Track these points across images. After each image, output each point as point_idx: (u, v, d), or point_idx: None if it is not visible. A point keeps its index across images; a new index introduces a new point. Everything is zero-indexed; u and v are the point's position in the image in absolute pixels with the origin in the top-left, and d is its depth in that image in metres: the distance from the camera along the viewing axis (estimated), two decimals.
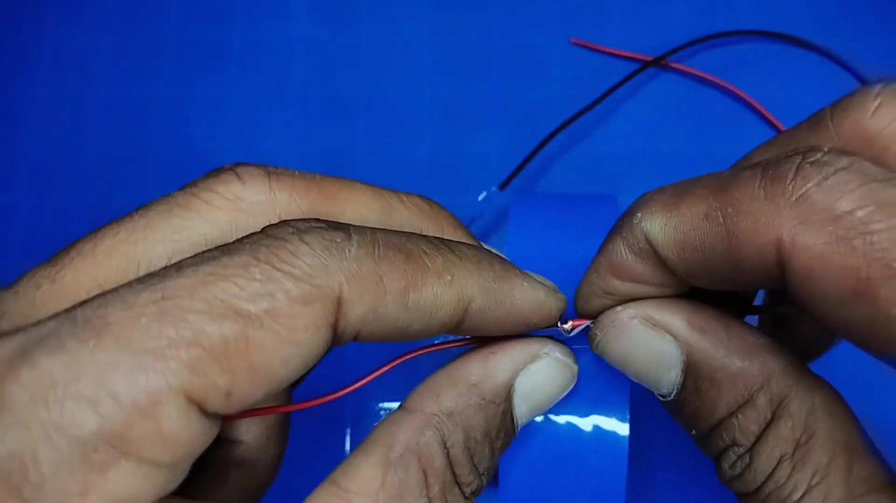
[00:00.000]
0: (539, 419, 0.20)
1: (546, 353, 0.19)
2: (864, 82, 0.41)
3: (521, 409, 0.18)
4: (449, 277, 0.16)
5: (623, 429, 0.20)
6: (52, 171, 0.42)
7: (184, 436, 0.14)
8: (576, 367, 0.19)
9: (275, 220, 0.17)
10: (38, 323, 0.14)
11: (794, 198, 0.14)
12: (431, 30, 0.43)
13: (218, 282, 0.14)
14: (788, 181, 0.14)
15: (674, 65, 0.42)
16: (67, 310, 0.14)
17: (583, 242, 0.21)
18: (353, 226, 0.16)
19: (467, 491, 0.17)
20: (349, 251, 0.15)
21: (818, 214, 0.14)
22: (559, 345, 0.19)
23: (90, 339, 0.13)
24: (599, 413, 0.20)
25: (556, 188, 0.41)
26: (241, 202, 0.18)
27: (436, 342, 0.19)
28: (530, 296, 0.18)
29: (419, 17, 0.44)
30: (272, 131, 0.42)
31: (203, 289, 0.14)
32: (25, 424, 0.12)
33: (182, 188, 0.18)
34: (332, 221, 0.16)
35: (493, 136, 0.42)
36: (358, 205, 0.19)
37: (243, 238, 0.15)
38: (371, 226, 0.16)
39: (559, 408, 0.20)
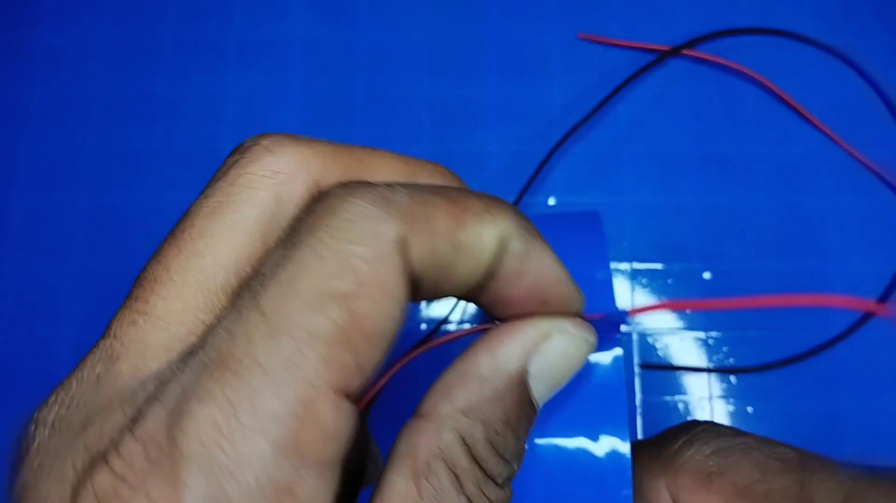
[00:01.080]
0: (537, 442, 0.20)
1: (557, 331, 0.18)
2: (868, 79, 0.41)
3: (539, 390, 0.18)
4: (488, 215, 0.17)
5: (624, 447, 0.20)
6: (51, 170, 0.41)
7: (342, 425, 0.15)
8: (593, 338, 0.19)
9: (312, 187, 0.17)
10: (168, 377, 0.14)
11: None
12: (432, 27, 0.43)
13: (301, 276, 0.15)
14: None
15: (696, 53, 0.42)
16: (187, 356, 0.15)
17: (566, 263, 0.20)
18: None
19: (500, 480, 0.17)
20: (400, 199, 0.16)
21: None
22: (571, 319, 0.19)
23: (230, 378, 0.14)
24: (598, 433, 0.20)
25: (560, 188, 0.41)
26: (278, 175, 0.18)
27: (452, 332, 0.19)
28: (555, 267, 0.18)
29: (419, 14, 0.44)
30: (271, 129, 0.42)
31: (291, 289, 0.15)
32: (209, 471, 0.13)
33: (213, 180, 0.18)
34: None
35: (495, 136, 0.41)
36: (385, 168, 0.19)
37: (297, 225, 0.16)
38: None
39: (554, 431, 0.20)
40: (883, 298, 0.39)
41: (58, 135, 0.42)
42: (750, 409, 0.37)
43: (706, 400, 0.37)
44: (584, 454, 0.20)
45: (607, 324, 0.20)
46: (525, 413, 0.18)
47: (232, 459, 0.13)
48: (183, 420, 0.13)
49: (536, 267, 0.18)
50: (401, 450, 0.17)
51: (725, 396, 0.37)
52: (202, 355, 0.14)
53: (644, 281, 0.39)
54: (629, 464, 0.20)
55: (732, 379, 0.38)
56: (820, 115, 0.41)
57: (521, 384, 0.18)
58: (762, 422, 0.37)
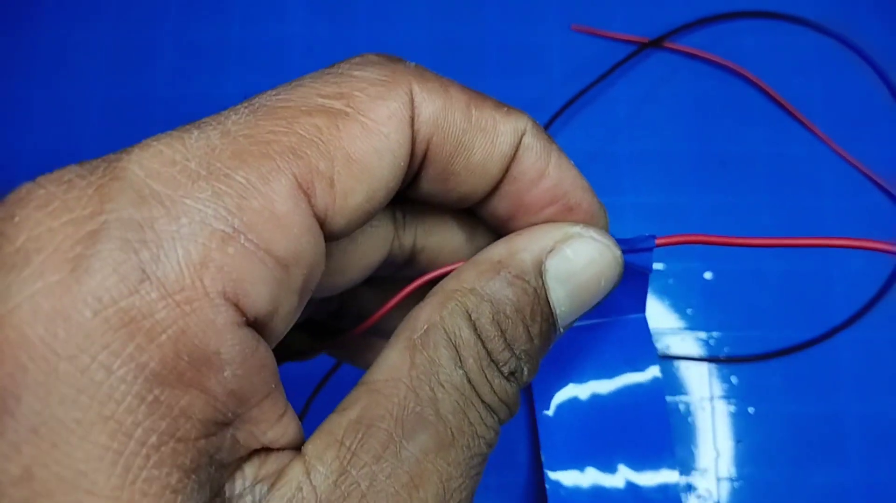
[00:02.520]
0: (570, 392, 0.19)
1: (579, 233, 0.17)
2: (868, 61, 0.41)
3: (558, 294, 0.17)
4: (505, 109, 0.17)
5: (655, 371, 0.19)
6: (52, 170, 0.41)
7: (296, 222, 0.13)
8: (617, 251, 0.18)
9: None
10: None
11: None
12: (430, 25, 0.43)
13: (299, 89, 0.15)
14: None
15: (677, 46, 0.42)
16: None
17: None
18: None
19: (505, 369, 0.16)
20: (410, 63, 0.16)
21: None
22: (596, 227, 0.18)
23: (193, 130, 0.14)
24: (627, 365, 0.19)
25: None
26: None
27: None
28: (576, 173, 0.18)
29: (418, 13, 0.44)
30: None
31: (286, 94, 0.15)
32: (144, 196, 0.12)
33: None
34: None
35: None
36: None
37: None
38: None
39: (586, 371, 0.19)
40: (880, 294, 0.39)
41: (59, 135, 0.42)
42: (751, 410, 0.37)
43: (707, 400, 0.37)
44: (618, 388, 0.20)
45: (633, 254, 0.19)
46: (541, 310, 0.16)
47: (173, 197, 0.12)
48: (135, 147, 0.14)
49: (557, 168, 0.17)
50: (401, 326, 0.16)
51: (726, 396, 0.37)
52: (207, 126, 0.14)
53: None
54: (663, 386, 0.20)
55: (734, 379, 0.38)
56: (820, 109, 0.41)
57: (536, 276, 0.16)
58: (763, 422, 0.37)
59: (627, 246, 0.18)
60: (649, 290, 0.22)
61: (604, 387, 0.20)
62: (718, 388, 0.38)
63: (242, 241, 0.13)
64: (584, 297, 0.17)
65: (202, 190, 0.13)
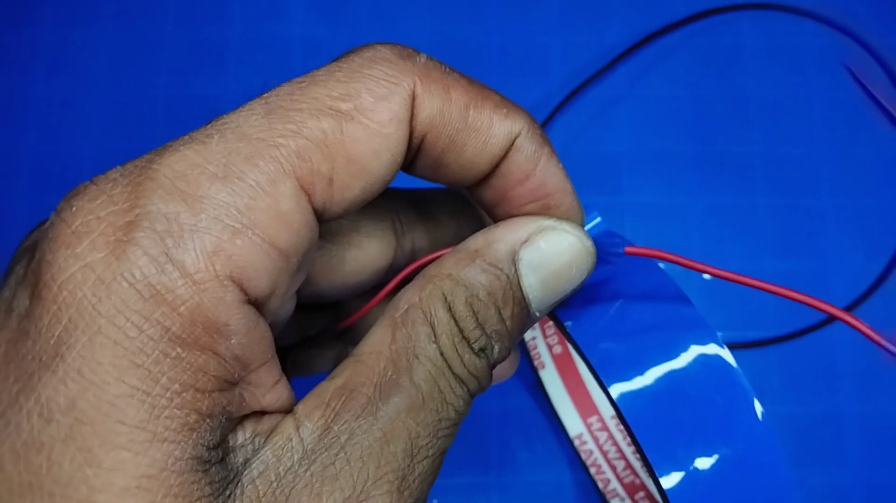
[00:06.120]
0: (638, 382, 0.19)
1: (553, 226, 0.19)
2: (871, 53, 0.41)
3: (530, 280, 0.18)
4: (505, 110, 0.18)
5: (720, 350, 0.20)
6: (52, 170, 0.41)
7: (297, 219, 0.16)
8: (589, 242, 0.19)
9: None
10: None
11: None
12: (430, 25, 0.43)
13: (311, 87, 0.16)
14: None
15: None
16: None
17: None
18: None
19: (475, 346, 0.18)
20: (419, 59, 0.17)
21: None
22: (569, 222, 0.19)
23: (214, 135, 0.16)
24: (688, 342, 0.20)
25: None
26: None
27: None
28: (562, 176, 0.19)
29: (418, 13, 0.44)
30: None
31: (299, 93, 0.16)
32: (171, 194, 0.15)
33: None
34: None
35: None
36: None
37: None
38: None
39: (647, 362, 0.19)
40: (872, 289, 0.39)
41: (59, 136, 0.42)
42: None
43: None
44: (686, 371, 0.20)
45: (603, 252, 0.20)
46: (514, 296, 0.18)
47: (191, 194, 0.15)
48: (164, 152, 0.16)
49: (544, 172, 0.19)
50: (387, 308, 0.18)
51: None
52: (209, 124, 0.16)
53: None
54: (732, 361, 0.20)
55: None
56: (821, 105, 0.41)
57: (509, 265, 0.18)
58: None
59: (598, 248, 0.20)
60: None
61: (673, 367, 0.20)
62: None
63: (250, 235, 0.15)
64: (556, 284, 0.19)
65: (219, 191, 0.15)
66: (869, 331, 0.18)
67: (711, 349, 0.20)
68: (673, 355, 0.20)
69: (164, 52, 0.43)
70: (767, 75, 0.42)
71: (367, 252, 0.21)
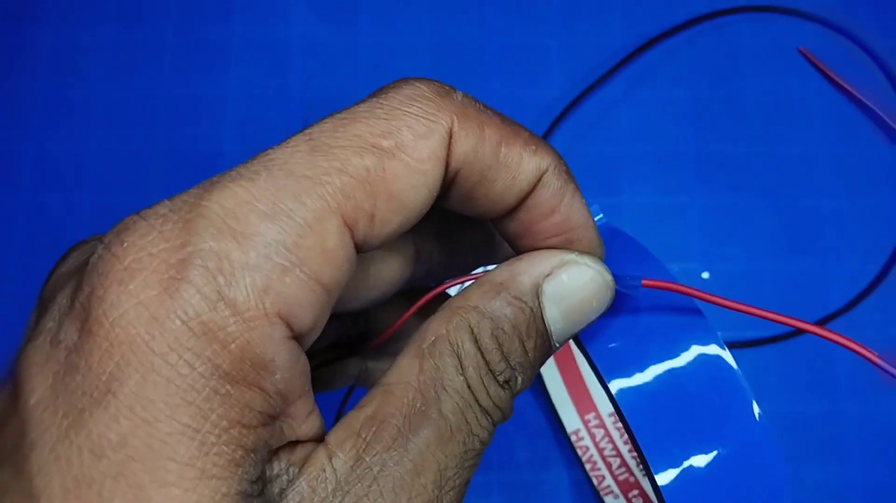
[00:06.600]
0: (639, 378, 0.20)
1: (574, 261, 0.19)
2: (870, 55, 0.42)
3: (552, 313, 0.19)
4: (533, 147, 0.19)
5: (720, 351, 0.20)
6: (52, 170, 0.42)
7: (341, 255, 0.16)
8: (609, 276, 0.20)
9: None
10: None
11: None
12: (431, 26, 0.44)
13: (353, 124, 0.17)
14: None
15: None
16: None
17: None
18: None
19: (500, 378, 0.18)
20: (457, 97, 0.18)
21: None
22: (591, 256, 0.20)
23: (262, 171, 0.16)
24: (690, 343, 0.20)
25: None
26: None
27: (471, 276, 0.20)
28: (585, 212, 0.20)
29: (418, 14, 0.44)
30: (272, 131, 0.42)
31: (342, 129, 0.17)
32: (222, 231, 0.15)
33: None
34: None
35: None
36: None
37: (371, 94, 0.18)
38: None
39: (648, 360, 0.20)
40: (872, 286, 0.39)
41: (60, 136, 0.42)
42: None
43: None
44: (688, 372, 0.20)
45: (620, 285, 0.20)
46: (536, 328, 0.19)
47: (242, 231, 0.15)
48: (213, 188, 0.16)
49: (568, 207, 0.19)
50: (414, 338, 0.18)
51: None
52: (253, 158, 0.16)
53: None
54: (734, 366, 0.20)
55: None
56: (820, 106, 0.42)
57: (533, 297, 0.19)
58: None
59: (617, 282, 0.20)
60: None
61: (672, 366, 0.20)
62: None
63: (298, 273, 0.16)
64: (577, 317, 0.19)
65: (268, 229, 0.15)
66: (868, 353, 0.18)
67: (712, 349, 0.20)
68: (674, 354, 0.20)
69: (165, 53, 0.43)
70: (766, 77, 0.42)
71: (389, 266, 0.22)
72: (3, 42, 0.44)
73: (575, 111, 0.42)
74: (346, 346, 0.26)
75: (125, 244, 0.15)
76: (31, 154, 0.42)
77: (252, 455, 0.15)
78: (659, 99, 0.42)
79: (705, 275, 0.39)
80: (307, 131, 0.17)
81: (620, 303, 0.21)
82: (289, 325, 0.16)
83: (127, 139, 0.42)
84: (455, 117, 0.17)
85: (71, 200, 0.41)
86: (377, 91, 0.18)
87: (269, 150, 0.16)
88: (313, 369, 0.24)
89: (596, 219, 0.22)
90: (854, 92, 0.41)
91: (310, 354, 0.24)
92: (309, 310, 0.16)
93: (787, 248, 0.40)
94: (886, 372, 0.18)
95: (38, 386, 0.15)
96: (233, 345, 0.15)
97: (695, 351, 0.20)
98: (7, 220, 0.41)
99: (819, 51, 0.42)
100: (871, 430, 0.37)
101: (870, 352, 0.18)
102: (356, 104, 0.17)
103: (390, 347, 0.25)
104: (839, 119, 0.42)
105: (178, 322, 0.14)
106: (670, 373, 0.20)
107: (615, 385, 0.20)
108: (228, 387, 0.15)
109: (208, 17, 0.44)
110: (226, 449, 0.15)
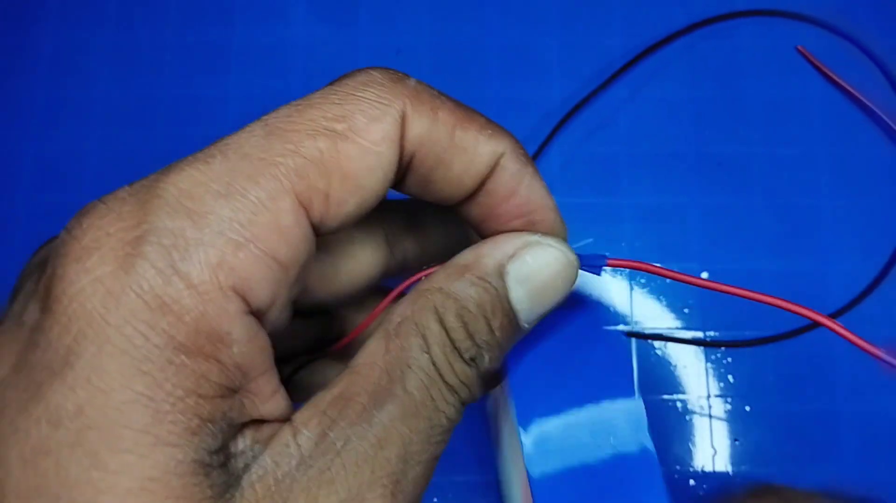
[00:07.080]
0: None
1: (538, 241, 0.20)
2: (871, 57, 0.42)
3: (518, 293, 0.19)
4: (489, 131, 0.19)
5: (637, 404, 0.20)
6: (52, 171, 0.42)
7: (296, 233, 0.16)
8: (573, 256, 0.20)
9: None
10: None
11: None
12: (431, 27, 0.44)
13: (308, 109, 0.17)
14: None
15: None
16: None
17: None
18: None
19: (466, 356, 0.18)
20: (410, 82, 0.18)
21: None
22: (554, 237, 0.20)
23: (217, 155, 0.16)
24: (604, 394, 0.20)
25: (559, 188, 0.41)
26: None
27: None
28: (545, 194, 0.20)
29: (418, 15, 0.44)
30: None
31: (297, 115, 0.17)
32: (177, 211, 0.16)
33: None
34: None
35: None
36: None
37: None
38: None
39: (564, 398, 0.20)
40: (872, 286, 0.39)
41: (60, 137, 0.42)
42: (748, 408, 0.38)
43: (704, 398, 0.38)
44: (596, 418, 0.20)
45: (586, 266, 0.21)
46: (502, 308, 0.19)
47: (196, 209, 0.16)
48: (171, 171, 0.16)
49: (528, 189, 0.20)
50: (381, 322, 0.19)
51: (723, 395, 0.38)
52: (211, 145, 0.17)
53: (642, 281, 0.39)
54: (643, 414, 0.20)
55: (731, 378, 0.38)
56: (820, 108, 0.42)
57: (497, 278, 0.19)
58: (760, 420, 0.37)
59: (581, 261, 0.20)
60: (647, 291, 0.22)
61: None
62: (715, 387, 0.38)
63: (252, 248, 0.16)
64: (542, 296, 0.20)
65: (222, 207, 0.16)
66: (861, 342, 0.18)
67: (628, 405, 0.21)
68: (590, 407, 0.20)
69: (165, 53, 0.43)
70: (766, 77, 0.42)
71: (360, 262, 0.22)
72: (3, 42, 0.44)
73: (576, 113, 0.42)
74: (322, 350, 0.26)
75: (84, 225, 0.16)
76: (31, 154, 0.42)
77: (210, 425, 0.15)
78: (659, 100, 0.42)
79: (705, 275, 0.39)
80: (264, 118, 0.17)
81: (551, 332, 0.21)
82: (245, 300, 0.16)
83: (127, 139, 0.42)
84: (408, 101, 0.18)
85: (71, 200, 0.41)
86: (334, 80, 0.18)
87: (226, 137, 0.17)
88: (290, 374, 0.24)
89: (582, 243, 0.23)
90: (854, 92, 0.41)
91: (286, 359, 0.24)
92: (265, 286, 0.16)
93: (787, 248, 0.40)
94: (889, 365, 0.18)
95: (3, 365, 0.15)
96: (187, 318, 0.15)
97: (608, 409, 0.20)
98: (7, 220, 0.41)
99: (819, 51, 0.42)
100: (869, 430, 0.37)
101: (870, 345, 0.18)
102: (313, 92, 0.18)
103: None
104: (839, 119, 0.42)
105: (132, 296, 0.15)
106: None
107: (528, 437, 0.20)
108: (184, 357, 0.15)
109: (208, 17, 0.44)
110: (181, 417, 0.15)
